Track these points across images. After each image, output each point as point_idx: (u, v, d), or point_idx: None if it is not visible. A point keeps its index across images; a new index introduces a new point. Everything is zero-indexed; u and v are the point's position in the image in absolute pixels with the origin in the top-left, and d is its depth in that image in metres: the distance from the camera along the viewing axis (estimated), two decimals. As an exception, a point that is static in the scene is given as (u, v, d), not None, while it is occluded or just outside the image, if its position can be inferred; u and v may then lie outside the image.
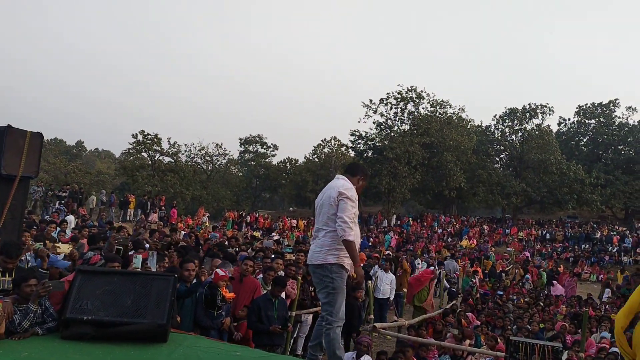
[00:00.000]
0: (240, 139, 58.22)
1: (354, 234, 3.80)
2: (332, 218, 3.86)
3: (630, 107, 44.83)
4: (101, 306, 4.12)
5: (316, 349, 3.94)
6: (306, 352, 5.41)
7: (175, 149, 45.21)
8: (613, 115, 45.46)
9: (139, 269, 5.86)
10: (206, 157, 51.15)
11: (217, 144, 51.83)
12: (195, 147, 49.61)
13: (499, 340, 9.26)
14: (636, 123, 44.04)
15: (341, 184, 4.01)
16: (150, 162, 43.68)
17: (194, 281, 5.76)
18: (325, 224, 3.90)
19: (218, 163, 53.09)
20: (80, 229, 11.33)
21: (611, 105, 45.46)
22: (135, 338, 4.04)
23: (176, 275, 4.45)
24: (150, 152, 43.26)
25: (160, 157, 44.15)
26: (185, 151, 47.82)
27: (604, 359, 7.95)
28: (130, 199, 25.89)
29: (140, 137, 41.98)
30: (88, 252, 6.81)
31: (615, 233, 31.85)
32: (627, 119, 44.97)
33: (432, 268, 14.89)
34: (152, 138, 42.30)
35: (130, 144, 42.66)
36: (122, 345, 3.96)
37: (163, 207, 27.31)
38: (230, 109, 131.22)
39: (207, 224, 26.42)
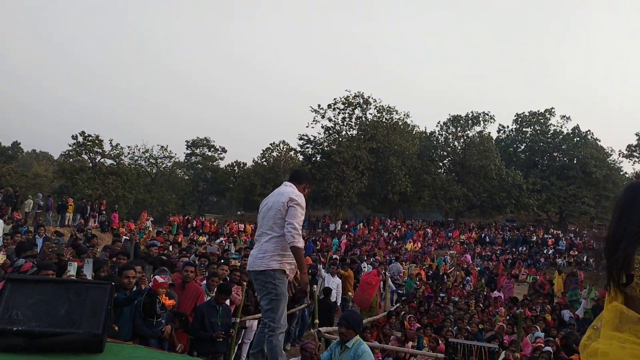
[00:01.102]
0: (187, 142, 57.33)
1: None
2: (279, 223, 3.83)
3: (564, 116, 47.24)
4: (33, 316, 3.92)
5: (258, 356, 3.91)
6: (250, 359, 5.37)
7: (118, 151, 43.86)
8: (548, 124, 47.68)
9: (74, 277, 5.64)
10: (151, 160, 50.06)
11: (162, 147, 50.80)
12: (139, 150, 48.47)
13: (440, 341, 9.48)
14: (570, 131, 46.33)
15: (290, 190, 4.03)
16: (90, 165, 42.24)
17: (134, 289, 5.61)
18: (271, 229, 3.86)
19: (163, 166, 52.03)
20: (12, 235, 10.78)
21: (547, 114, 47.66)
22: (69, 349, 3.87)
23: (113, 283, 4.30)
24: (91, 154, 41.81)
25: (102, 160, 42.74)
26: (129, 153, 46.75)
27: (538, 358, 8.28)
28: (68, 203, 24.86)
29: (80, 139, 40.48)
30: (19, 260, 6.49)
31: (550, 236, 33.36)
32: (561, 127, 47.30)
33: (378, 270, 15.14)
34: (93, 139, 40.85)
35: (70, 146, 41.14)
36: (55, 356, 3.78)
37: (104, 212, 26.39)
38: (177, 111, 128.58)
39: (151, 228, 25.76)
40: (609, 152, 46.05)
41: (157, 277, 5.78)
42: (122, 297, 5.43)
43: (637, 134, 40.31)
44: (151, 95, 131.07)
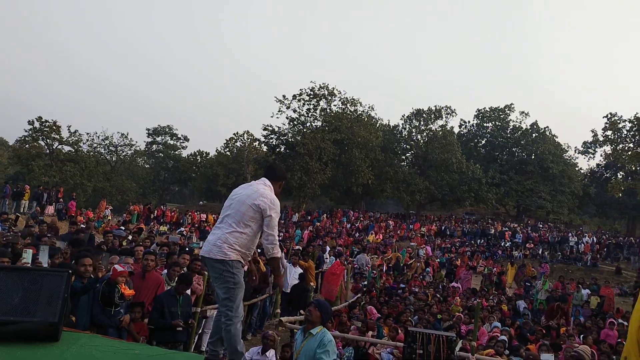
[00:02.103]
0: (148, 130, 56.19)
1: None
2: (245, 222, 3.81)
3: (523, 112, 48.47)
4: (-16, 305, 3.83)
5: (217, 344, 3.90)
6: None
7: (76, 138, 42.70)
8: (508, 119, 48.85)
9: (29, 265, 5.50)
10: (110, 148, 48.93)
11: (122, 134, 49.73)
12: (98, 137, 47.30)
13: (399, 331, 9.66)
14: (528, 127, 47.59)
15: (268, 194, 3.97)
16: (47, 151, 41.00)
17: (91, 277, 5.50)
18: (236, 224, 3.82)
19: (123, 154, 50.97)
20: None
21: (507, 109, 48.79)
22: (23, 337, 3.80)
23: (70, 271, 4.21)
24: (48, 140, 40.62)
25: (59, 146, 41.54)
26: (88, 140, 45.52)
27: (494, 347, 8.55)
28: (24, 190, 24.07)
29: (37, 124, 39.24)
30: (-29, 248, 6.28)
31: (507, 229, 34.30)
32: (520, 123, 48.53)
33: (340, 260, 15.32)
34: (51, 125, 39.65)
35: (26, 131, 39.85)
36: (9, 345, 3.71)
37: (61, 200, 25.66)
38: (138, 98, 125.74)
39: (110, 217, 25.23)
40: (566, 148, 47.53)
41: (116, 266, 5.70)
42: (79, 285, 5.33)
43: (592, 131, 41.71)
44: (112, 82, 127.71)
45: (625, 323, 13.25)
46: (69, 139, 41.95)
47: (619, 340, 10.74)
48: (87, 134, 47.13)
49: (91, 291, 5.40)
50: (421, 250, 26.10)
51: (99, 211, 26.10)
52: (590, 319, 13.92)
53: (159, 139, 56.57)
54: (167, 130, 56.46)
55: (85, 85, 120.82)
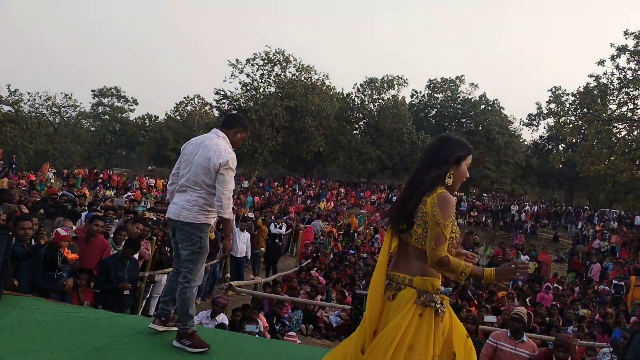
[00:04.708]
0: (93, 91, 53.97)
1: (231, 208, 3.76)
2: (208, 182, 3.66)
3: (473, 84, 49.47)
4: None
5: (169, 303, 3.87)
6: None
7: (17, 98, 40.66)
8: (458, 91, 49.78)
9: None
10: (53, 109, 46.78)
11: (66, 95, 47.47)
12: (40, 97, 45.11)
13: (347, 294, 9.92)
14: (477, 98, 48.69)
15: (223, 147, 3.72)
16: (-16, 111, 38.87)
17: (32, 242, 5.34)
18: (200, 185, 3.68)
19: (67, 115, 48.85)
20: None
21: (457, 80, 49.66)
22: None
23: (10, 233, 4.06)
24: (-16, 99, 38.45)
25: (-2, 106, 39.45)
26: (29, 100, 43.40)
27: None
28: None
29: (-28, 82, 37.00)
30: None
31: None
32: (470, 95, 49.57)
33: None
34: (-12, 84, 37.53)
35: (-38, 90, 37.52)
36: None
37: (1, 161, 24.53)
38: (82, 57, 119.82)
39: (53, 180, 24.35)
40: (511, 120, 49.01)
41: (59, 229, 5.54)
42: (21, 251, 5.16)
43: (537, 104, 43.16)
44: (54, 40, 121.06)
45: (560, 287, 14.11)
46: (9, 98, 39.91)
47: (554, 302, 11.45)
48: (29, 93, 44.87)
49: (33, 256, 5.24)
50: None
51: (42, 174, 25.13)
52: (527, 284, 14.71)
53: (105, 100, 54.54)
54: (114, 92, 54.45)
55: (25, 43, 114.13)
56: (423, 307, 2.30)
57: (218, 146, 3.72)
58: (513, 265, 2.34)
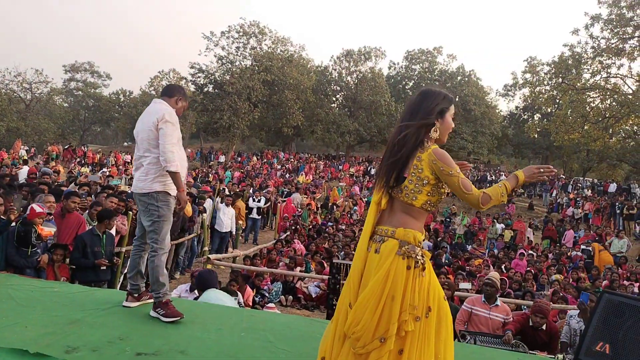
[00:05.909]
0: (65, 66, 52.56)
1: (178, 161, 3.71)
2: (153, 144, 3.68)
3: (450, 55, 49.48)
4: None
5: (136, 278, 3.88)
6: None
7: (-15, 74, 39.40)
8: (436, 62, 49.74)
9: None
10: (24, 84, 45.45)
11: (37, 70, 46.14)
12: (10, 73, 43.80)
13: (325, 265, 10.02)
14: (454, 70, 48.78)
15: (159, 107, 3.78)
16: (-48, 88, 37.65)
17: (4, 219, 5.23)
18: (148, 151, 3.71)
19: (39, 92, 47.53)
20: None
21: (435, 52, 49.58)
22: None
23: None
24: (-47, 76, 37.20)
25: (-34, 83, 38.24)
26: (-2, 77, 42.06)
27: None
28: None
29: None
30: None
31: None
32: (447, 66, 49.59)
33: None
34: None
35: None
36: None
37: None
38: (52, 32, 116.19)
39: (26, 157, 23.86)
40: (488, 91, 49.32)
41: (33, 205, 5.45)
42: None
43: (512, 74, 43.41)
44: (22, 15, 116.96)
45: (535, 254, 14.49)
46: (-23, 74, 38.70)
47: (528, 269, 11.78)
48: (-2, 69, 43.50)
49: (5, 232, 5.15)
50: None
51: (14, 152, 24.61)
52: (503, 251, 15.06)
53: (78, 76, 53.22)
54: (87, 67, 53.14)
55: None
56: (405, 258, 2.32)
57: (155, 107, 3.83)
58: (541, 169, 2.56)
